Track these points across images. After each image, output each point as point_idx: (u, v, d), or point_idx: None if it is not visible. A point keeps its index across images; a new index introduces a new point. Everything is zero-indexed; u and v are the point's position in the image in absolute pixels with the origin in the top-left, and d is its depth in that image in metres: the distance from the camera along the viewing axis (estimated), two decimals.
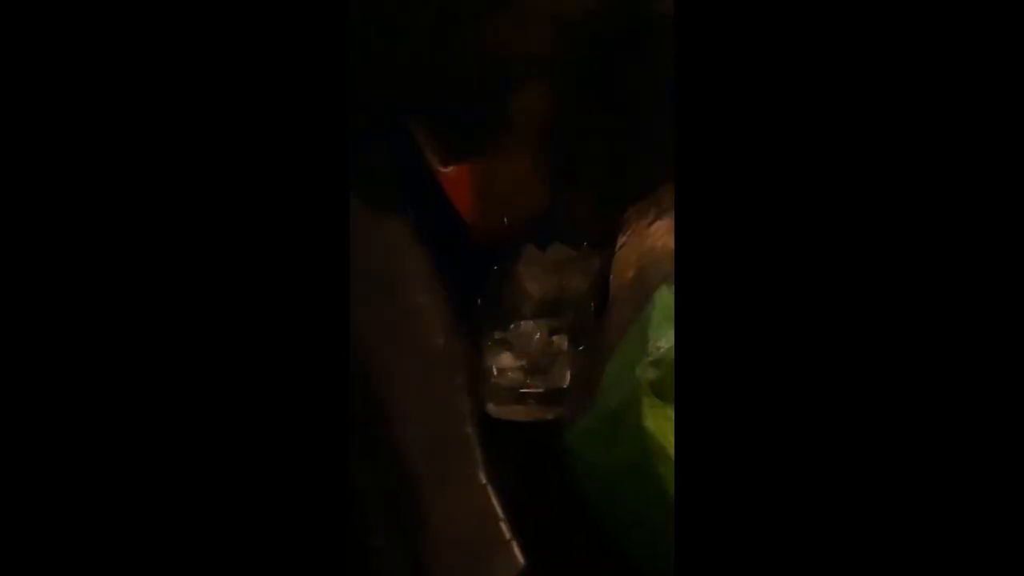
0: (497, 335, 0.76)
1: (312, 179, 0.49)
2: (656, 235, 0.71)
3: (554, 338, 0.76)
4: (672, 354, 0.62)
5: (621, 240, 0.74)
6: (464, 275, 0.77)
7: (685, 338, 0.47)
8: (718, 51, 0.47)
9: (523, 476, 0.73)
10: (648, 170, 0.76)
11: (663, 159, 0.68)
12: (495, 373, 0.75)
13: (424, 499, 0.69)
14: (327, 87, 0.49)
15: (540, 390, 0.75)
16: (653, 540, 0.62)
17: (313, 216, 0.49)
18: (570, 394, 0.73)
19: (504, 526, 0.68)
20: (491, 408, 0.74)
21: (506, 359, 0.76)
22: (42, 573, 0.45)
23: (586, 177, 0.80)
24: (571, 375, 0.74)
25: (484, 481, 0.70)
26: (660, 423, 0.62)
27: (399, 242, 0.78)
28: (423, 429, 0.72)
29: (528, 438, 0.73)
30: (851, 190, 0.45)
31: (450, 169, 0.78)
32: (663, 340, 0.64)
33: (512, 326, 0.77)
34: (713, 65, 0.47)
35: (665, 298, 0.65)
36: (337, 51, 0.49)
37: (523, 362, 0.76)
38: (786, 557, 0.45)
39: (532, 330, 0.77)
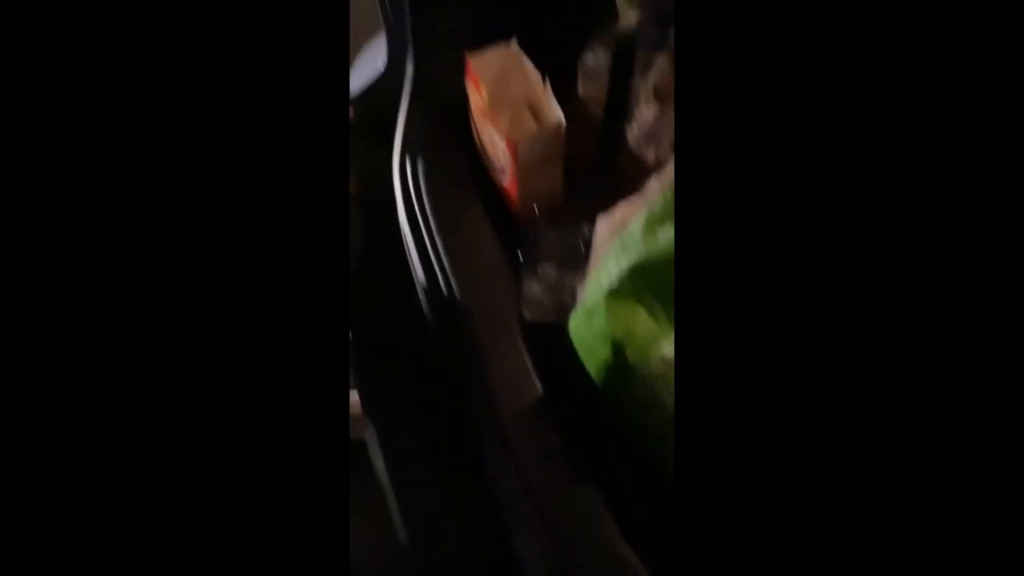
0: (530, 272, 1.31)
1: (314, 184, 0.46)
2: (617, 212, 1.25)
3: (564, 276, 1.31)
4: (625, 273, 1.16)
5: (600, 217, 1.29)
6: (513, 239, 1.27)
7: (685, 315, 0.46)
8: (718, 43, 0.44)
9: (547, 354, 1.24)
10: (622, 180, 1.31)
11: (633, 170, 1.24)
12: (528, 295, 1.31)
13: (485, 356, 1.23)
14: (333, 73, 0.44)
15: (555, 305, 1.30)
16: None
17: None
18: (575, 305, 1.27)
19: (537, 382, 1.21)
20: (526, 314, 1.29)
21: (535, 288, 1.31)
22: (41, 573, 0.44)
23: (584, 184, 1.36)
24: (574, 295, 1.28)
25: (523, 349, 1.24)
26: (617, 316, 1.15)
27: (479, 223, 1.34)
28: (486, 319, 1.26)
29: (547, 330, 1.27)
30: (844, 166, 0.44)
31: (504, 179, 1.33)
32: (614, 266, 1.17)
33: (539, 269, 1.32)
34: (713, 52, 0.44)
35: (617, 246, 1.19)
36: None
37: (545, 289, 1.31)
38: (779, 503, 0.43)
39: (551, 272, 1.31)
